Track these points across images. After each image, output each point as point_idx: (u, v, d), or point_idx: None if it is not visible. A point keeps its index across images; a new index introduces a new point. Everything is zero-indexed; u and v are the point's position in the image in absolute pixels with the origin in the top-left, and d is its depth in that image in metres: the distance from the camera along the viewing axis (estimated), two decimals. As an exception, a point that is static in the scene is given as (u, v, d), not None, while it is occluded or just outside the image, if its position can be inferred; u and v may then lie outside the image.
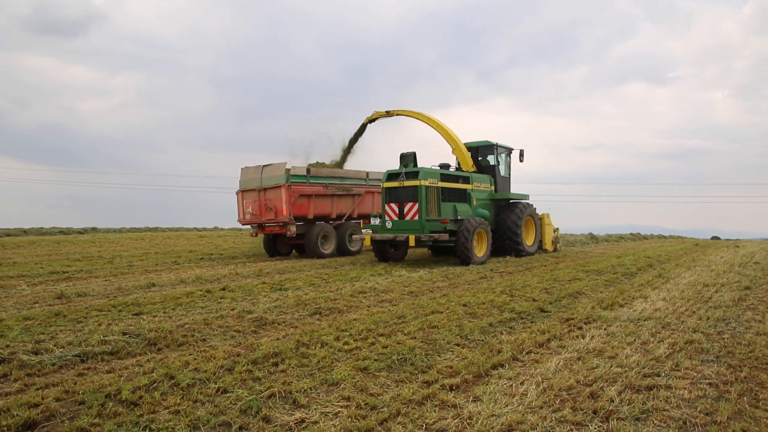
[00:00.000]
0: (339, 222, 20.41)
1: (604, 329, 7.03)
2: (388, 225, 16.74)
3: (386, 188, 16.76)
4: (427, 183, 16.18)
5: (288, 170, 18.67)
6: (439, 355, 6.03)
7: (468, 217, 16.89)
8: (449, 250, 18.71)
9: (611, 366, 5.62)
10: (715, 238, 39.10)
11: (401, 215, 16.40)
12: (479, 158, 19.48)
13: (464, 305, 8.53)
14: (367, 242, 16.98)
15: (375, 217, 17.89)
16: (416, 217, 16.03)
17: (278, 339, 6.69)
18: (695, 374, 5.41)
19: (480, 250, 16.72)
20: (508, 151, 20.01)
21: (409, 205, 16.24)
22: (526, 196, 19.98)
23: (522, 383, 5.22)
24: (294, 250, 21.41)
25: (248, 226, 20.48)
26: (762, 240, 34.92)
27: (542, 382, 5.24)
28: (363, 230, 20.62)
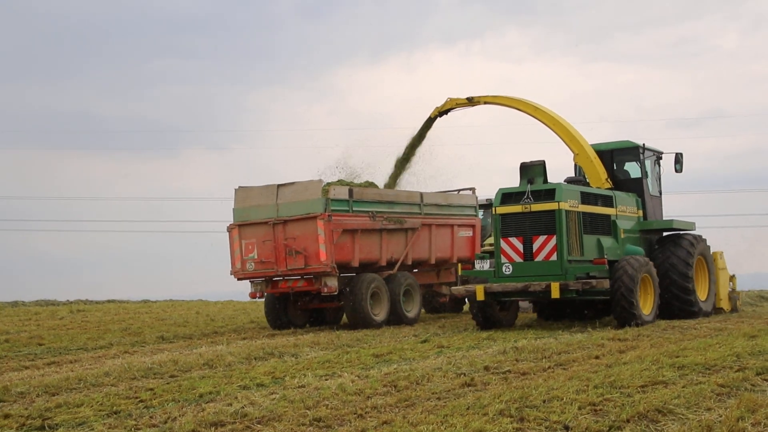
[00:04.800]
0: (390, 272, 14.46)
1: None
2: (507, 270, 12.28)
3: (501, 216, 12.46)
4: (567, 206, 11.96)
5: (326, 190, 13.24)
6: None
7: (618, 256, 12.49)
8: (565, 310, 13.72)
9: None
10: None
11: (528, 255, 12.13)
12: (614, 167, 14.39)
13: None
14: (480, 296, 12.16)
15: (482, 259, 12.96)
16: (553, 257, 11.85)
17: None
18: None
19: (645, 304, 12.19)
20: (658, 155, 14.83)
21: (542, 239, 12.00)
22: (692, 225, 14.60)
23: None
24: (307, 323, 15.01)
25: (248, 281, 14.11)
26: None
27: None
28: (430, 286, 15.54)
